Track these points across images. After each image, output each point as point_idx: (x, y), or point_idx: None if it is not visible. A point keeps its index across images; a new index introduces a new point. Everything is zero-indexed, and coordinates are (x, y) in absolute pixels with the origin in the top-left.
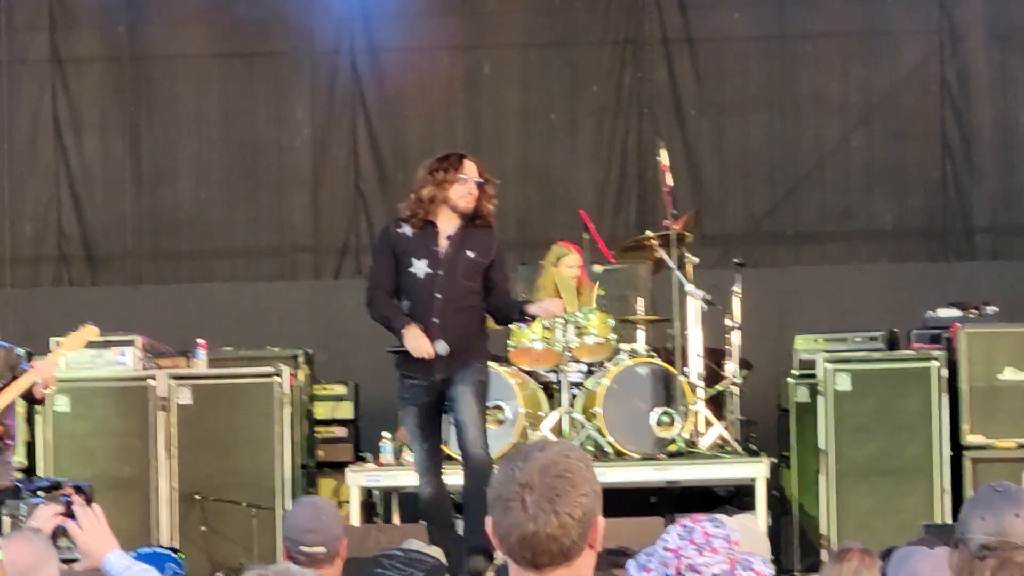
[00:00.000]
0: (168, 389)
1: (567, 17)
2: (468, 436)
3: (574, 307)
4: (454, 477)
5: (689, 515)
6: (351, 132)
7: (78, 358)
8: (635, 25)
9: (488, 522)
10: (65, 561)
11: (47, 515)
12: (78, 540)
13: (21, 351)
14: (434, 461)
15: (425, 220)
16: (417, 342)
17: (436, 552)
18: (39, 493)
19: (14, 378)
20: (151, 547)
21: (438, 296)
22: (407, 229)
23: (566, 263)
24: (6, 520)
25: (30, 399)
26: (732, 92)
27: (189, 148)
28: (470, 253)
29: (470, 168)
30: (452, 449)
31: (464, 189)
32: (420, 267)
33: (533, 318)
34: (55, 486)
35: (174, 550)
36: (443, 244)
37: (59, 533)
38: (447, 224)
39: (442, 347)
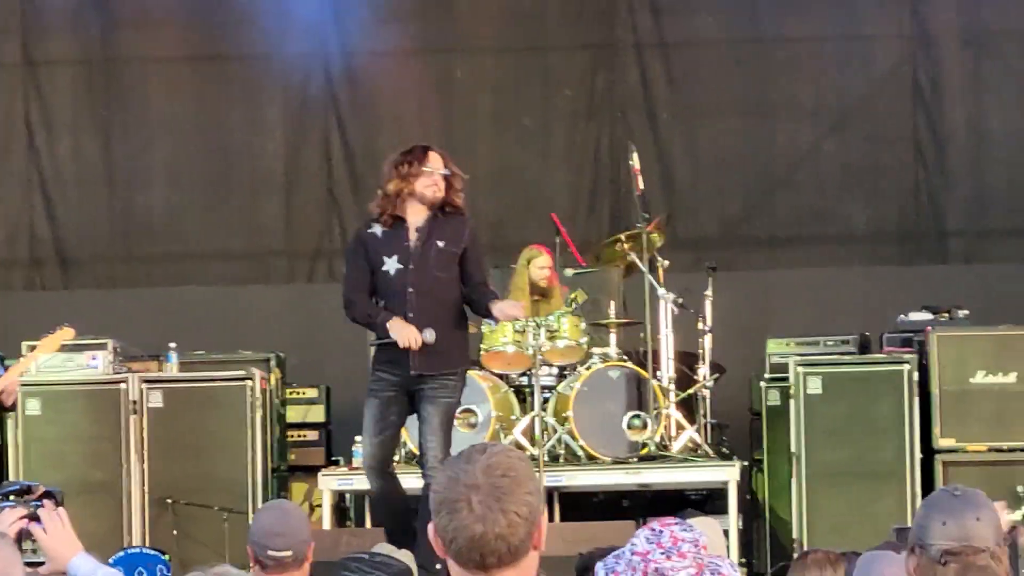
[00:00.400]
0: (140, 393)
1: (540, 21)
2: (428, 462)
3: (529, 312)
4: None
5: (658, 519)
6: (324, 136)
7: (50, 361)
8: (608, 29)
9: (430, 528)
10: (30, 564)
11: (10, 519)
12: (43, 544)
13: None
14: (378, 458)
15: (394, 216)
16: (403, 331)
17: (405, 557)
18: (10, 497)
19: None
20: (139, 548)
21: (410, 291)
22: (377, 229)
23: (536, 264)
24: None
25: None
26: (705, 96)
27: (162, 151)
28: (440, 243)
29: (435, 160)
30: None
31: (430, 181)
32: (391, 264)
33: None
34: (26, 490)
35: (161, 551)
36: (412, 238)
37: (24, 536)
38: (415, 217)
39: (429, 335)
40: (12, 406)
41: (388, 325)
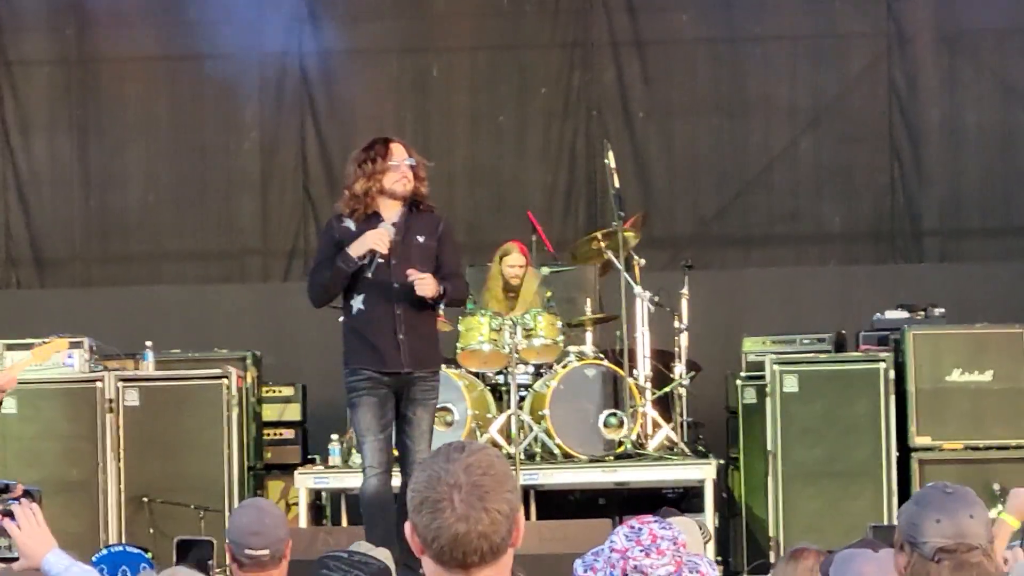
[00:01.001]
0: (116, 391)
1: (516, 20)
2: (414, 462)
3: (501, 307)
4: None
5: (636, 516)
6: (299, 134)
7: (26, 355)
8: (583, 28)
9: (408, 527)
10: (4, 560)
11: None
12: (17, 540)
13: None
14: (386, 455)
15: (367, 213)
16: (367, 238)
17: (383, 555)
18: None
19: None
20: (122, 546)
21: (396, 287)
22: (350, 223)
23: (508, 262)
24: None
25: None
26: (680, 95)
27: (137, 151)
28: (419, 238)
29: (398, 151)
30: None
31: (398, 174)
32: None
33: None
34: (3, 488)
35: (144, 549)
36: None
37: (2, 535)
38: (390, 212)
39: (389, 227)
40: None
41: (352, 248)
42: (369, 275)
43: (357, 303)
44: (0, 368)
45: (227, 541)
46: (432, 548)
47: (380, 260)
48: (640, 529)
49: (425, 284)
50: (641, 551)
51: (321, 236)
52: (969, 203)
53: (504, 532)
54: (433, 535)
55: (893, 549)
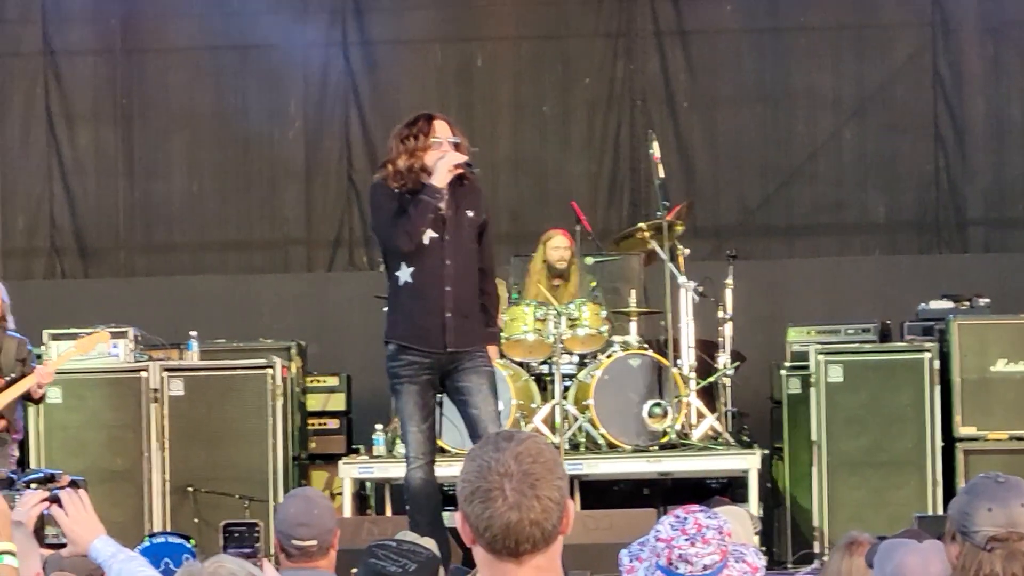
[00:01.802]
0: (161, 381)
1: (560, 9)
2: (487, 431)
3: (546, 297)
4: (446, 469)
5: (682, 506)
6: (344, 124)
7: (70, 348)
8: (627, 17)
9: (458, 517)
10: (52, 547)
11: (31, 502)
12: (64, 527)
13: (34, 349)
14: (429, 444)
15: (412, 188)
16: (447, 160)
17: (430, 544)
18: (32, 485)
19: (23, 372)
20: (163, 534)
21: (448, 263)
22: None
23: (552, 244)
24: None
25: (28, 398)
26: (725, 85)
27: (181, 140)
28: (469, 212)
29: (441, 128)
30: (446, 441)
31: (439, 152)
32: (426, 233)
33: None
34: (49, 478)
35: (185, 537)
36: (443, 206)
37: (47, 521)
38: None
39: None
40: (41, 399)
41: (435, 179)
42: (425, 241)
43: (405, 275)
44: (46, 358)
45: (275, 532)
46: (484, 537)
47: (435, 235)
48: (686, 518)
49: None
50: (686, 540)
51: (378, 196)
52: (1013, 193)
53: (555, 519)
54: (485, 524)
55: (938, 540)
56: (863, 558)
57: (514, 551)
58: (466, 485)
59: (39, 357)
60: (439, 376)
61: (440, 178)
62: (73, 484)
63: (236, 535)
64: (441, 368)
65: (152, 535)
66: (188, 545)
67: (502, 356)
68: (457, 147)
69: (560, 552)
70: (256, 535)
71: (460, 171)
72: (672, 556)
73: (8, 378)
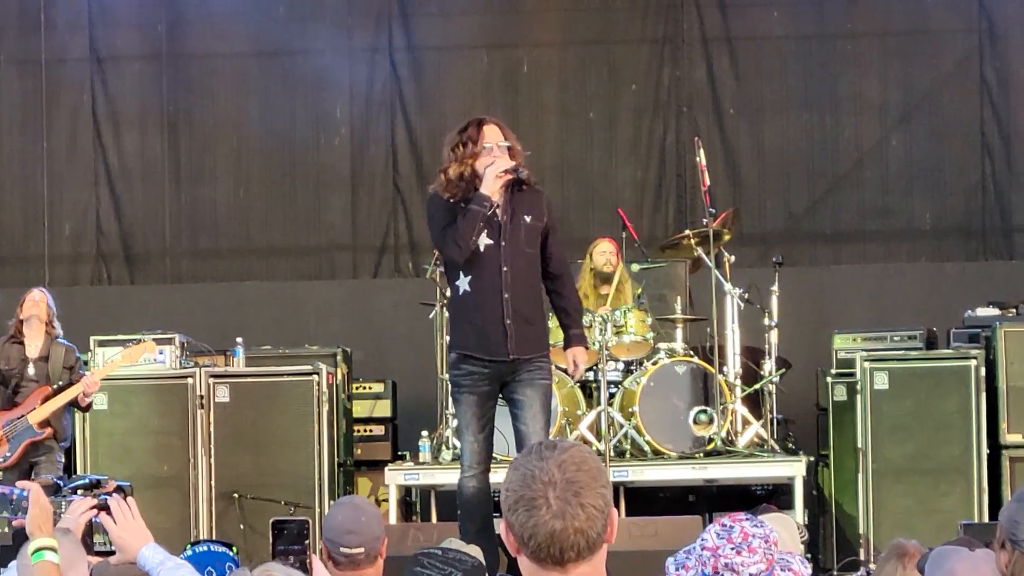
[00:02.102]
0: (207, 387)
1: (606, 15)
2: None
3: (592, 304)
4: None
5: (728, 514)
6: (389, 131)
7: (116, 356)
8: (674, 23)
9: (502, 526)
10: (100, 554)
11: (79, 509)
12: (112, 534)
13: (82, 356)
14: (486, 454)
15: (466, 196)
16: (496, 166)
17: (475, 551)
18: (79, 491)
19: (71, 380)
20: (205, 542)
21: (505, 269)
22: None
23: (598, 250)
24: None
25: (75, 405)
26: (771, 91)
27: (227, 146)
28: (527, 217)
29: (491, 133)
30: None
31: (490, 158)
32: (481, 239)
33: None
34: (95, 484)
35: (228, 545)
36: (499, 212)
37: (96, 529)
38: (495, 193)
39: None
40: (88, 407)
41: (484, 187)
42: (481, 248)
43: (463, 284)
44: (92, 365)
45: (323, 539)
46: (528, 546)
47: (490, 241)
48: (732, 527)
49: (579, 371)
50: (732, 549)
51: (431, 207)
52: None
53: (599, 527)
54: (529, 533)
55: (988, 548)
56: (916, 569)
57: (559, 560)
58: (510, 494)
59: (86, 364)
60: (499, 385)
61: (488, 185)
62: (119, 490)
63: (285, 532)
64: (501, 377)
65: (194, 543)
66: (231, 554)
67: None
68: (510, 151)
69: (604, 560)
70: (305, 532)
71: (509, 177)
72: (718, 565)
73: (55, 386)
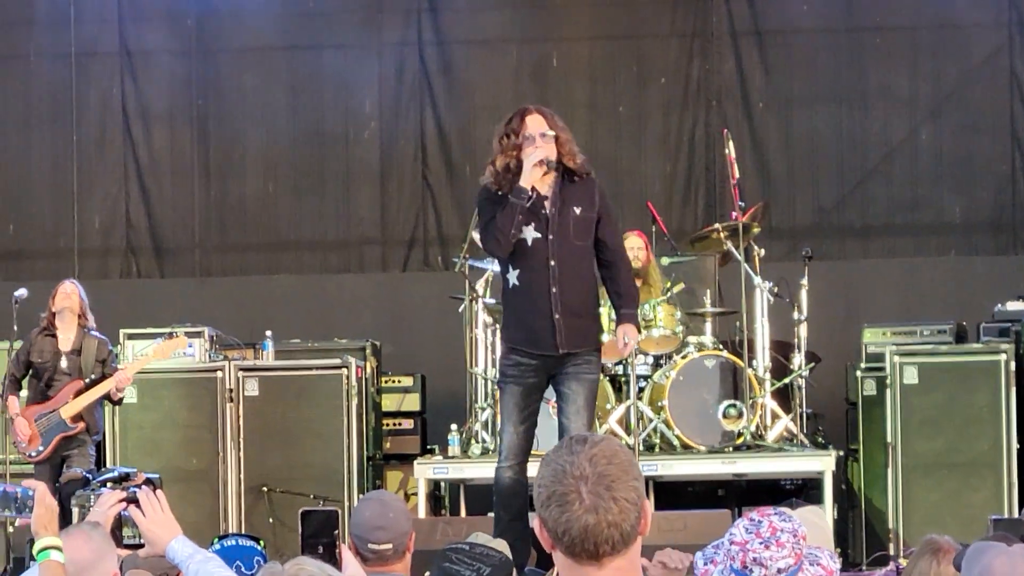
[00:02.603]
0: (236, 381)
1: (635, 10)
2: None
3: None
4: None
5: (757, 508)
6: (419, 124)
7: (145, 349)
8: (703, 17)
9: (536, 523)
10: (130, 547)
11: (108, 502)
12: (142, 527)
13: (114, 349)
14: (524, 446)
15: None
16: (535, 155)
17: (501, 546)
18: (108, 484)
19: (103, 373)
20: (233, 536)
21: (552, 263)
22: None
23: (627, 245)
24: (75, 510)
25: (107, 398)
26: (800, 85)
27: (257, 140)
28: (576, 209)
29: (534, 123)
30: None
31: (532, 149)
32: (529, 233)
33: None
34: (124, 477)
35: (255, 539)
36: (547, 205)
37: (125, 522)
38: (543, 184)
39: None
40: (120, 400)
41: (522, 180)
42: (529, 242)
43: (513, 278)
44: (122, 358)
45: (350, 535)
46: (563, 541)
47: (538, 235)
48: (760, 521)
49: (629, 346)
50: (761, 543)
51: (479, 199)
52: None
53: (633, 520)
54: (563, 528)
55: None
56: (951, 565)
57: (594, 554)
58: (542, 490)
59: (118, 357)
60: (547, 377)
61: (525, 177)
62: (148, 482)
63: (314, 523)
64: (549, 369)
65: (222, 537)
66: (259, 548)
67: None
68: (557, 141)
69: (639, 553)
70: (334, 522)
71: (543, 168)
72: (746, 559)
73: (88, 380)
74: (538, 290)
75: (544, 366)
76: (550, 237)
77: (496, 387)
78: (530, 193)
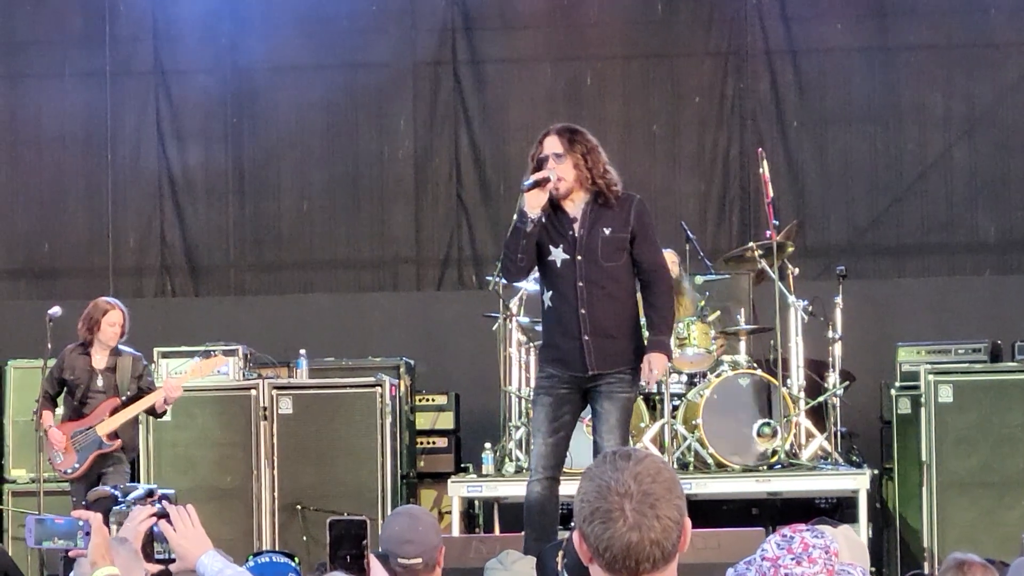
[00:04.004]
0: (270, 399)
1: (669, 28)
2: None
3: None
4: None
5: (789, 525)
6: (453, 143)
7: (179, 368)
8: (737, 36)
9: (576, 537)
10: (161, 562)
11: (139, 518)
12: (172, 542)
13: (149, 364)
14: (553, 459)
15: (553, 205)
16: (534, 189)
17: (529, 563)
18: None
19: (139, 388)
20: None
21: (580, 284)
22: (542, 215)
23: None
24: (113, 528)
25: (151, 412)
26: (834, 104)
27: (291, 159)
28: (606, 230)
29: (548, 145)
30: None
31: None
32: (558, 254)
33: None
34: (149, 494)
35: (290, 556)
36: (576, 226)
37: (157, 538)
38: (573, 205)
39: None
40: (163, 413)
41: (519, 211)
42: (558, 264)
43: (547, 299)
44: (158, 379)
45: (380, 550)
46: (604, 557)
47: (566, 256)
48: (792, 537)
49: (653, 376)
50: (792, 559)
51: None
52: None
53: (674, 538)
54: (605, 545)
55: None
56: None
57: (634, 571)
58: (585, 505)
59: (151, 370)
60: (580, 393)
61: (526, 200)
62: (164, 498)
63: (343, 533)
64: (582, 386)
65: (256, 554)
66: (293, 564)
67: None
68: (586, 158)
69: (675, 570)
70: (363, 531)
71: (536, 189)
72: (778, 574)
73: (124, 397)
74: (568, 312)
75: (577, 381)
76: (578, 258)
77: (530, 405)
78: (533, 217)
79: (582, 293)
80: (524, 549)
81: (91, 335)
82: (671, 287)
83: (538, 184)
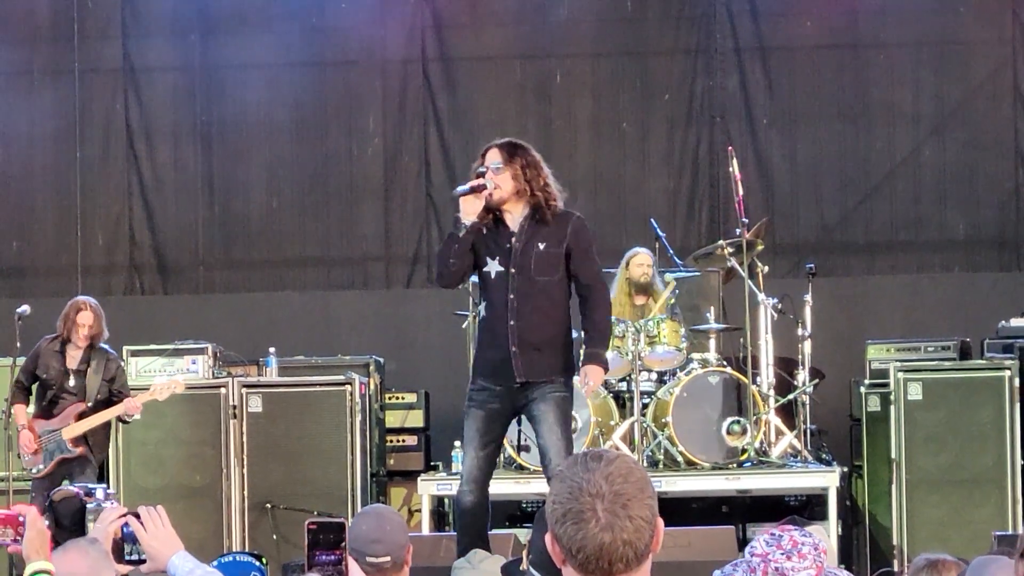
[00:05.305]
0: (240, 397)
1: (638, 26)
2: (551, 462)
3: (627, 314)
4: (523, 486)
5: (777, 524)
6: (422, 141)
7: (149, 366)
8: (706, 34)
9: (548, 538)
10: (131, 563)
11: (109, 518)
12: (143, 542)
13: (124, 366)
14: (484, 471)
15: (493, 217)
16: (468, 196)
17: (496, 561)
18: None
19: (111, 392)
20: (232, 554)
21: (511, 296)
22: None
23: (635, 261)
24: (91, 526)
25: (118, 419)
26: (804, 101)
27: (260, 157)
28: (541, 245)
29: (490, 156)
30: (525, 459)
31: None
32: (493, 266)
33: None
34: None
35: (256, 556)
36: (512, 239)
37: (127, 539)
38: (512, 219)
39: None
40: (128, 420)
41: (461, 214)
42: (492, 276)
43: (482, 310)
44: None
45: (348, 549)
46: (577, 558)
47: (500, 269)
48: (780, 535)
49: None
50: (782, 554)
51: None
52: None
53: (647, 538)
54: (578, 546)
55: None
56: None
57: (607, 571)
58: (557, 507)
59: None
60: (511, 407)
61: (462, 208)
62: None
63: (321, 536)
64: (515, 400)
65: (222, 555)
66: (258, 564)
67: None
68: (524, 172)
69: (649, 570)
70: (341, 533)
71: (471, 196)
72: (768, 569)
73: (91, 403)
74: (498, 323)
75: (508, 395)
76: (511, 271)
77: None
78: (466, 223)
79: (512, 305)
80: (458, 554)
81: (67, 332)
82: (608, 302)
83: (473, 190)
